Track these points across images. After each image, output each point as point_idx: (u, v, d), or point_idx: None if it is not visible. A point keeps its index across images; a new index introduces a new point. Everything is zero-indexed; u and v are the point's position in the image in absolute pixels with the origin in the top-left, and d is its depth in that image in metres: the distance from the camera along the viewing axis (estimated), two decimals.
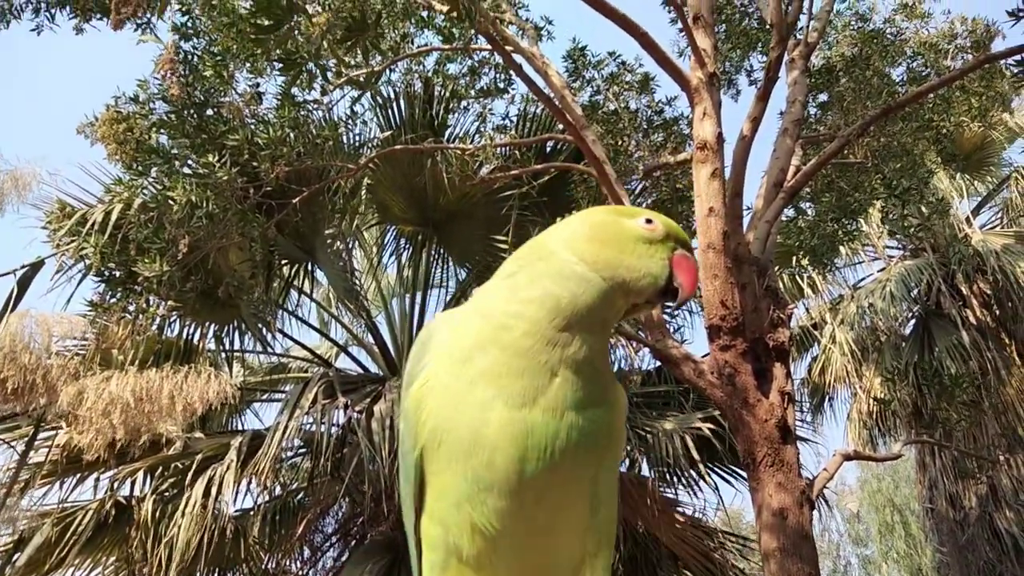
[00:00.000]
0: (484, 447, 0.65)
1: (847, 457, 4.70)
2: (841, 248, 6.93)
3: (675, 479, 6.23)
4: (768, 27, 5.26)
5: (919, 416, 7.51)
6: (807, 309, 10.08)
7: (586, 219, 0.78)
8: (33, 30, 5.41)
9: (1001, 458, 8.64)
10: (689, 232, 6.62)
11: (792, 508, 3.86)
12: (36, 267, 5.54)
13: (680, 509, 6.51)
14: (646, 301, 0.75)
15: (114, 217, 5.09)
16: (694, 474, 6.21)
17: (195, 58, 4.94)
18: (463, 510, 0.67)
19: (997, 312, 9.34)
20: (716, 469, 6.49)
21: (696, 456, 5.66)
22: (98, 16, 5.26)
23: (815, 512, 4.18)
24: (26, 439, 6.10)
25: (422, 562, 0.73)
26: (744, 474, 4.28)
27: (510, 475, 0.65)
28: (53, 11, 5.40)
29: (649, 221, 0.77)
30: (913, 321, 9.91)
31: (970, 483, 9.08)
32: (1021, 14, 4.72)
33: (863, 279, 10.71)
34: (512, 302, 0.70)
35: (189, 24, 5.02)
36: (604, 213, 0.79)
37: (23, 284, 5.45)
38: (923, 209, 6.47)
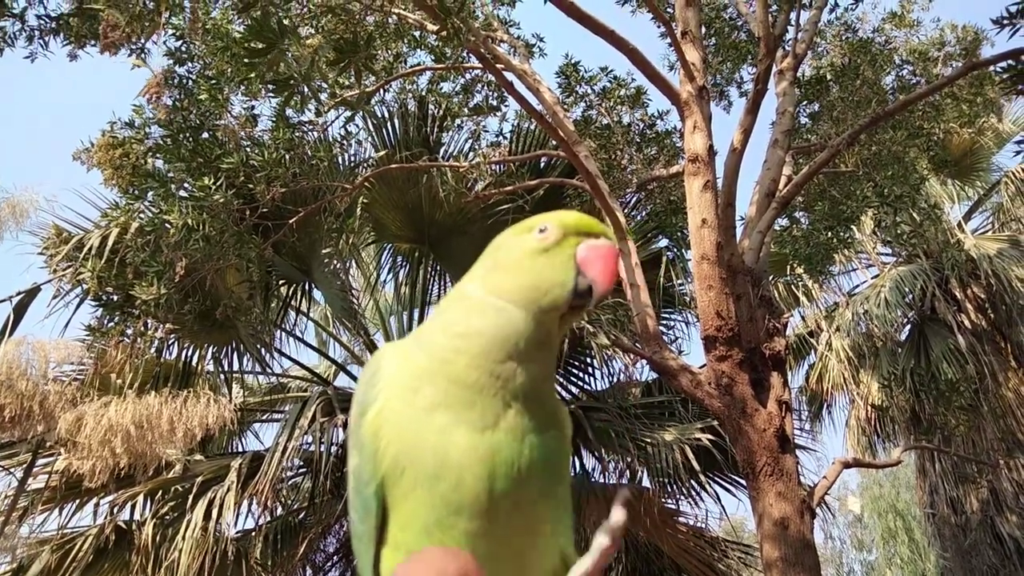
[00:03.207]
0: (451, 469, 0.64)
1: (846, 464, 4.71)
2: (835, 256, 6.97)
3: (676, 489, 6.23)
4: (757, 40, 5.32)
5: (918, 421, 7.52)
6: (803, 317, 10.12)
7: (491, 250, 0.78)
8: (27, 57, 5.44)
9: (1001, 462, 8.65)
10: (683, 244, 6.66)
11: (793, 517, 3.87)
12: (32, 293, 5.56)
13: (682, 519, 6.50)
14: (572, 308, 0.72)
15: (111, 241, 5.12)
16: (695, 484, 6.21)
17: (190, 82, 4.98)
18: (433, 537, 0.64)
19: (992, 316, 9.38)
20: (717, 479, 6.49)
21: (696, 466, 5.66)
22: (92, 43, 5.29)
23: (816, 518, 4.18)
24: (24, 466, 6.08)
25: None
26: (745, 483, 4.29)
27: (480, 495, 0.64)
28: (47, 38, 5.43)
29: (543, 230, 0.74)
30: (908, 327, 9.95)
31: (971, 487, 9.08)
32: (1005, 22, 4.78)
33: (857, 286, 10.76)
34: (448, 336, 0.70)
35: (183, 48, 5.06)
36: (504, 236, 0.78)
37: (19, 311, 5.46)
38: (915, 216, 6.52)
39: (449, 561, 0.35)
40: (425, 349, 0.71)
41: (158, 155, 4.91)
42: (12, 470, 6.26)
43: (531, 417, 0.68)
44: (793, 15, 5.53)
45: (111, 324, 5.00)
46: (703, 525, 6.53)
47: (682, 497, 6.32)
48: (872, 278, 10.40)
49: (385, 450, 0.67)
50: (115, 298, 5.01)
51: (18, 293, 5.23)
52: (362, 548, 0.73)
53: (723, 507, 6.74)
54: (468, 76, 6.16)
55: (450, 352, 0.68)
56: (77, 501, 6.25)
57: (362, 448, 0.70)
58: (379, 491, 0.68)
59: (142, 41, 5.14)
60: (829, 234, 5.99)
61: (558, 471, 0.70)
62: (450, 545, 0.64)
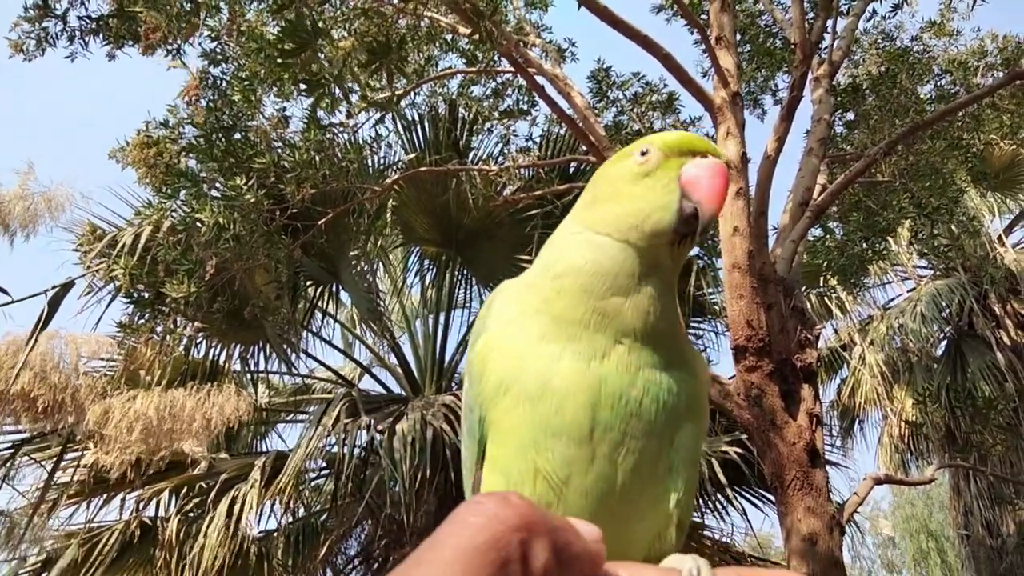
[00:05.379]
0: (553, 394, 0.62)
1: (878, 481, 4.59)
2: (870, 267, 6.83)
3: (702, 503, 6.13)
4: (792, 46, 5.24)
5: (952, 439, 7.32)
6: (835, 330, 9.92)
7: (591, 183, 0.73)
8: (67, 57, 5.55)
9: None
10: (714, 252, 6.57)
11: (822, 533, 3.77)
12: (66, 288, 5.64)
13: (707, 534, 6.39)
14: (683, 235, 0.66)
15: (143, 239, 5.18)
16: (721, 498, 6.10)
17: (224, 83, 5.03)
18: (527, 456, 0.63)
19: None
20: (744, 493, 6.37)
21: (723, 480, 5.55)
22: (130, 43, 5.38)
23: (846, 537, 4.08)
24: (54, 459, 6.17)
25: None
26: (773, 498, 4.19)
27: (581, 421, 0.62)
28: (87, 39, 5.53)
29: (644, 152, 0.68)
30: (945, 342, 9.71)
31: (1007, 509, 8.82)
32: None
33: (893, 299, 10.54)
34: (548, 277, 0.68)
35: (218, 50, 5.12)
36: (605, 164, 0.73)
37: (53, 304, 5.53)
38: (953, 228, 6.36)
39: (507, 507, 0.33)
40: (532, 288, 0.69)
41: (191, 155, 4.96)
42: (43, 463, 6.36)
43: (649, 354, 0.64)
44: (830, 22, 5.44)
45: (141, 321, 5.06)
46: (729, 540, 6.42)
47: (708, 511, 6.22)
48: (908, 291, 10.19)
49: (491, 373, 0.67)
50: (146, 295, 5.06)
51: (52, 287, 5.31)
52: (466, 473, 0.74)
53: (750, 522, 6.59)
54: (499, 80, 6.15)
55: (551, 292, 0.66)
56: (104, 496, 6.33)
57: (470, 373, 0.70)
58: (482, 415, 0.68)
59: (179, 43, 5.22)
60: (864, 245, 5.87)
61: (682, 415, 0.66)
62: (544, 467, 0.62)
